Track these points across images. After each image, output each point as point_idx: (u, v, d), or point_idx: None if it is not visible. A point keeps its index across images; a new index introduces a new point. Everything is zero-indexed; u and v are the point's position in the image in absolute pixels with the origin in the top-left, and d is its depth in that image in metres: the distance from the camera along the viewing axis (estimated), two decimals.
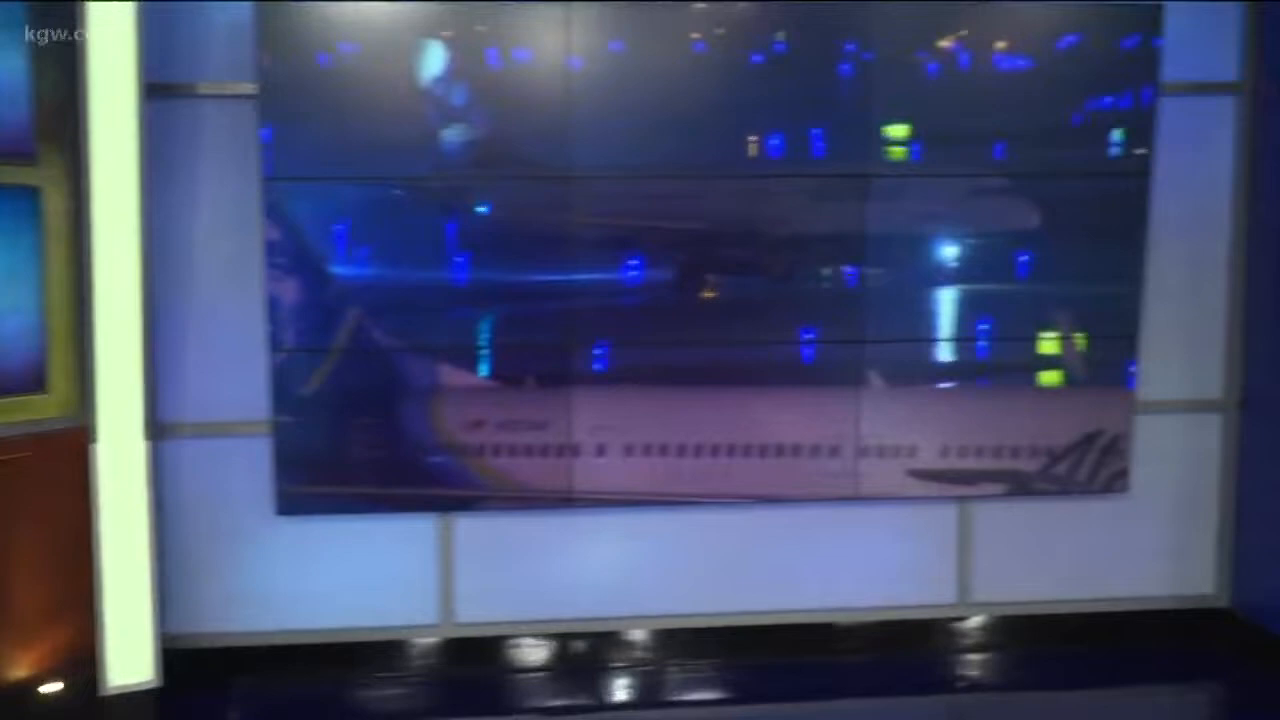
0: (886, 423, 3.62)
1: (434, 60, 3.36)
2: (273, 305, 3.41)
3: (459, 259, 3.43)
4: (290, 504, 3.50)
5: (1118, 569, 3.91)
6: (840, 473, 3.63)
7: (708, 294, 3.54)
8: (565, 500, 3.60)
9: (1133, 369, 3.70)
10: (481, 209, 3.45)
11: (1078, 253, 3.65)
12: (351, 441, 3.48)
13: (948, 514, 3.84)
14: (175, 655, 3.45)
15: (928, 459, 3.67)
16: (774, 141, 3.44)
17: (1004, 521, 3.85)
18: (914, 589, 3.84)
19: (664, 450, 3.59)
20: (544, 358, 3.53)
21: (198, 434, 3.55)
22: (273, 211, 3.37)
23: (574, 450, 3.56)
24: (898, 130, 3.48)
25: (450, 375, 3.50)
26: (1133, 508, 3.87)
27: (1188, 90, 3.73)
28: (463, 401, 3.50)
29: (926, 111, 3.51)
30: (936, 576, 3.85)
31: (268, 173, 3.36)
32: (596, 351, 3.51)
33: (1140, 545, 3.92)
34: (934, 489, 3.68)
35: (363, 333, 3.44)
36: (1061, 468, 3.69)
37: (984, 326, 3.61)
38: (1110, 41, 3.56)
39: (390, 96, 3.34)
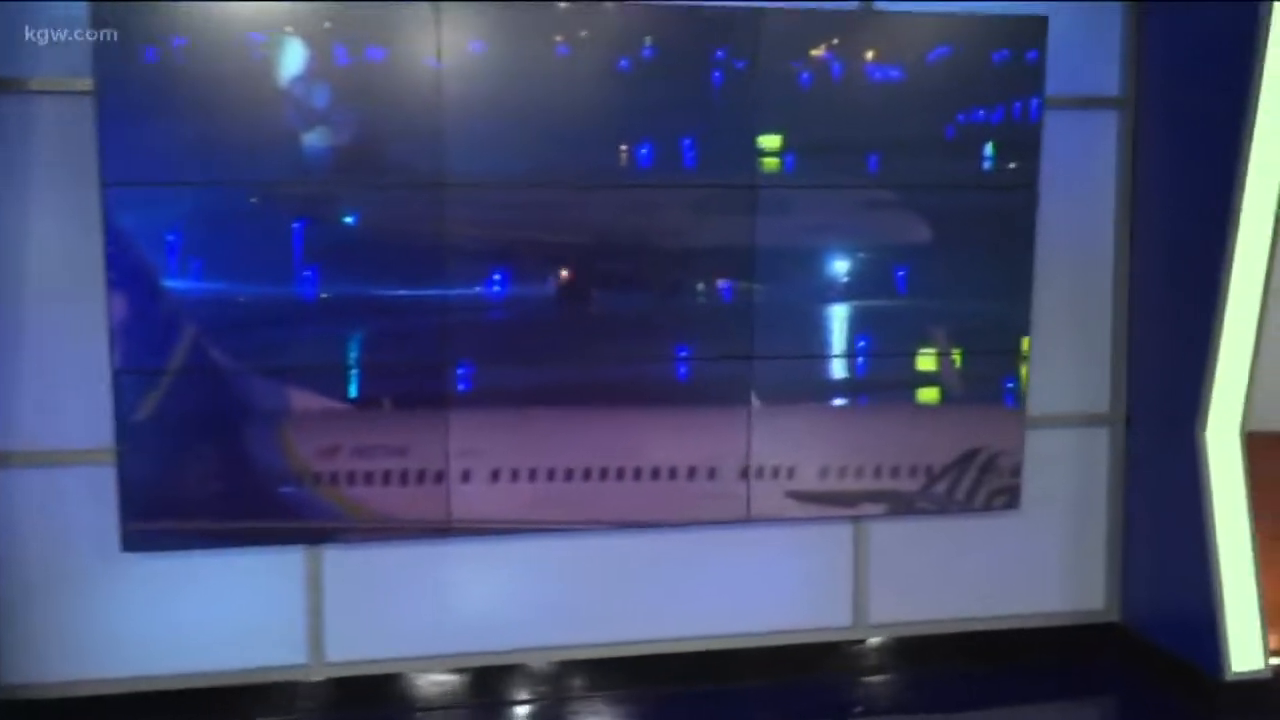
0: (765, 443, 3.51)
1: (288, 58, 3.14)
2: (116, 321, 3.13)
3: (311, 271, 3.20)
4: (138, 540, 3.23)
5: (1012, 586, 3.88)
6: (722, 495, 3.50)
7: (585, 309, 3.39)
8: (440, 530, 3.40)
9: (1010, 385, 3.64)
10: (344, 218, 3.25)
11: (958, 267, 3.60)
12: (202, 471, 3.22)
13: (842, 534, 3.75)
14: (14, 707, 3.18)
15: (806, 480, 3.56)
16: (644, 150, 3.31)
17: (898, 541, 3.79)
18: (809, 612, 3.74)
19: (544, 475, 3.42)
20: (413, 378, 3.33)
21: (34, 463, 3.26)
22: (115, 218, 3.09)
23: (448, 477, 3.36)
24: (771, 141, 3.37)
25: (312, 398, 3.27)
26: (1025, 524, 3.84)
27: (1070, 104, 3.73)
28: (323, 426, 3.28)
29: (803, 122, 3.42)
30: (832, 599, 3.75)
31: (108, 176, 3.08)
32: (464, 371, 3.32)
33: (1033, 561, 3.89)
34: (813, 510, 3.57)
35: (215, 352, 3.19)
36: (941, 487, 3.63)
37: (863, 343, 3.53)
38: (993, 53, 3.52)
39: (242, 96, 3.12)
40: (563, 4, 3.29)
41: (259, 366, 3.23)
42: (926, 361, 3.60)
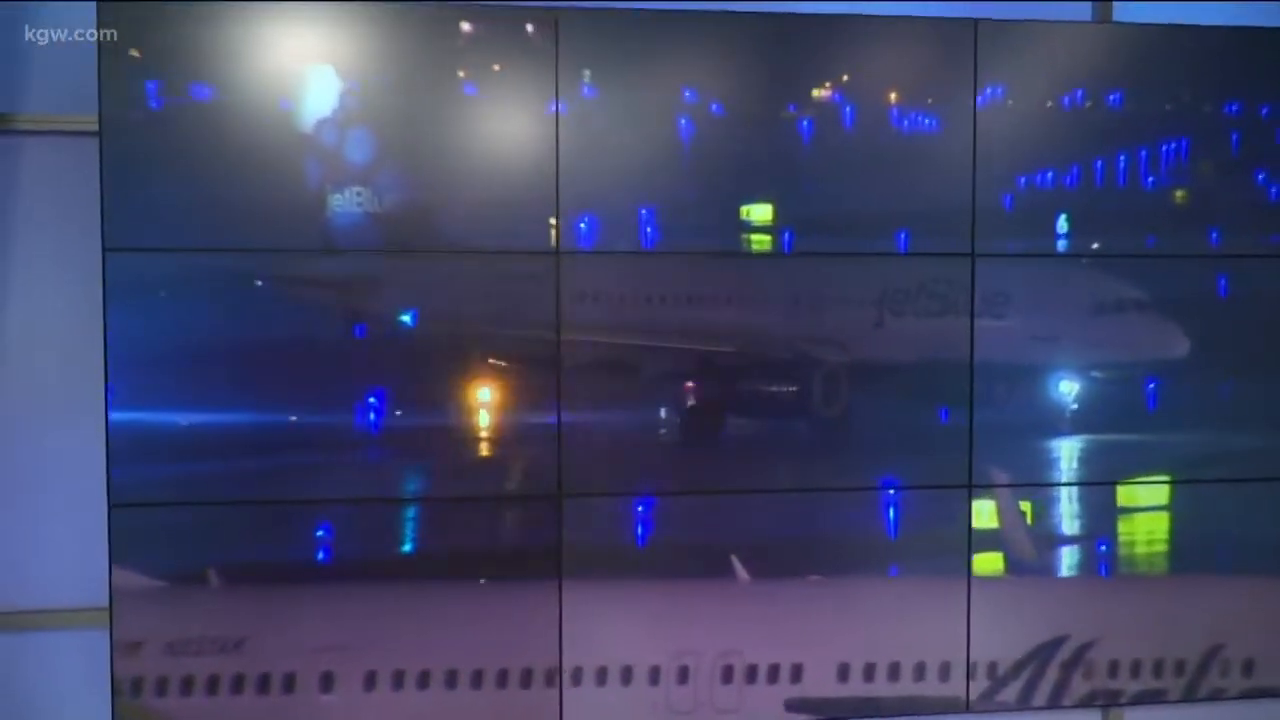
0: (754, 631, 2.56)
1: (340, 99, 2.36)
2: (118, 436, 2.32)
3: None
4: None
5: None
6: (687, 707, 2.52)
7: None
8: None
9: (1103, 548, 2.68)
10: (400, 316, 2.43)
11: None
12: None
13: None
14: None
15: (817, 683, 2.57)
16: (583, 222, 2.42)
17: None
18: None
19: (672, 673, 2.52)
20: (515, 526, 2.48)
21: (7, 627, 2.59)
22: (119, 297, 2.30)
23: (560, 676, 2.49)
24: (760, 212, 2.48)
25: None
26: None
27: None
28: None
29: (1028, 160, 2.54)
30: None
31: (110, 241, 2.31)
32: (323, 533, 2.40)
33: None
34: None
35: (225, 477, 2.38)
36: (1012, 689, 2.65)
37: (892, 488, 2.57)
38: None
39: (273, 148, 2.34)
40: (467, 27, 2.36)
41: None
42: (986, 516, 2.62)
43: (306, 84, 2.33)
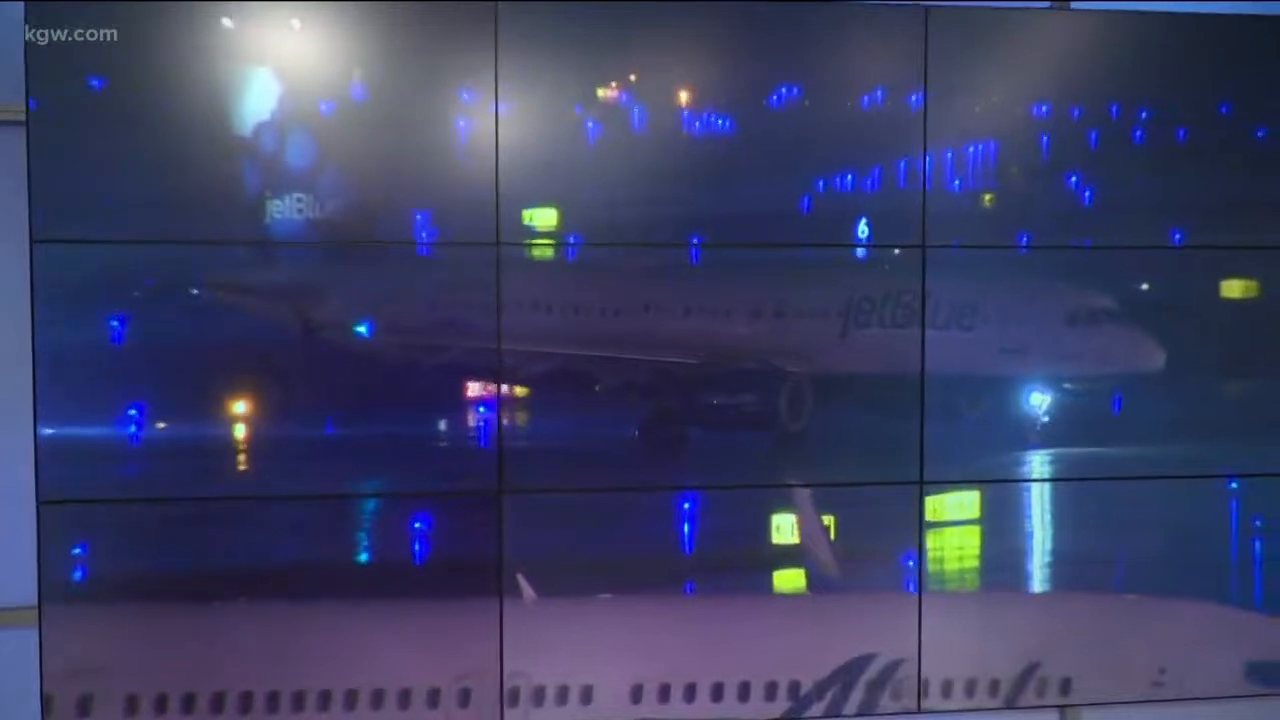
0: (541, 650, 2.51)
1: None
2: (46, 434, 2.34)
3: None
4: None
5: None
6: None
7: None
8: None
9: (911, 562, 2.63)
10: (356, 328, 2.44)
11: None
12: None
13: None
14: None
15: (610, 706, 2.53)
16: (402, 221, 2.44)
17: None
18: None
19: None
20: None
21: None
22: (47, 291, 2.32)
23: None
24: (542, 216, 2.47)
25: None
26: None
27: None
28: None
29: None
30: None
31: (38, 231, 2.31)
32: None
33: None
34: None
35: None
36: (815, 709, 2.60)
37: (688, 503, 2.55)
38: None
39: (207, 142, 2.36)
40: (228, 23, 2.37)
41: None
42: (785, 532, 2.60)
43: (240, 83, 2.36)
